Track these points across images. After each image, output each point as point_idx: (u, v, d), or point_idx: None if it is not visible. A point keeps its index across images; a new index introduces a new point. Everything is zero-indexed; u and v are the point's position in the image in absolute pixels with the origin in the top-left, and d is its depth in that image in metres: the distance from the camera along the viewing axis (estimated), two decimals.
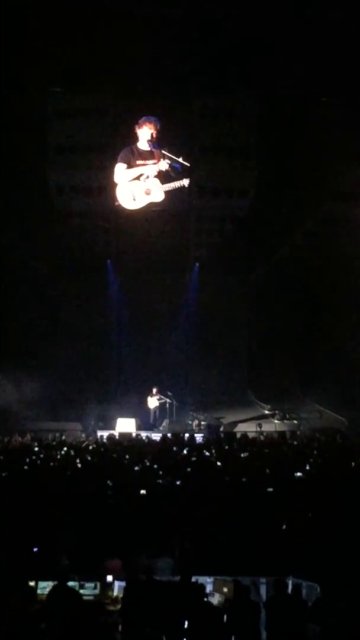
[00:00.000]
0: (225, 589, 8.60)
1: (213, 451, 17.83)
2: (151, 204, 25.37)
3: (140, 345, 27.76)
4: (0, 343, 24.43)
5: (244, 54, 23.08)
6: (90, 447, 19.62)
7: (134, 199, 25.46)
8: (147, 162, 25.38)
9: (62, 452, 17.89)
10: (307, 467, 15.26)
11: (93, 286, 27.66)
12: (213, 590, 8.76)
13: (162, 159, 23.25)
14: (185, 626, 7.74)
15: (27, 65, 23.08)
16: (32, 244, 26.11)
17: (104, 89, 26.24)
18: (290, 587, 8.32)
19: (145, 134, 25.09)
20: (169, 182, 25.18)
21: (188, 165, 25.59)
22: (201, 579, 8.61)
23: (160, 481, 13.81)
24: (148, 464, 15.74)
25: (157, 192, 25.22)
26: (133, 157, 25.38)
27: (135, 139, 25.56)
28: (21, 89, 24.41)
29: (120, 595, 8.49)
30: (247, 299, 28.34)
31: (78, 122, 26.37)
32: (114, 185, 25.21)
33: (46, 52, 22.85)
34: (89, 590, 8.73)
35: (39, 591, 8.55)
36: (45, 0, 21.51)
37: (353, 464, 15.89)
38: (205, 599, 8.15)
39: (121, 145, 26.10)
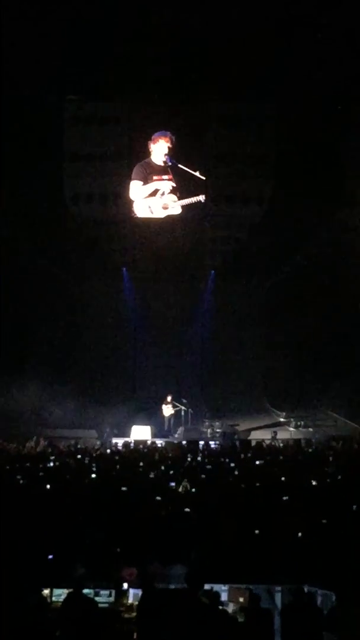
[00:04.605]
0: (240, 598, 8.56)
1: (227, 459, 17.83)
2: (169, 217, 25.60)
3: (156, 353, 27.74)
4: (18, 351, 24.56)
5: (260, 61, 23.07)
6: (108, 453, 19.70)
7: (152, 213, 25.72)
8: (162, 177, 25.60)
9: (77, 459, 17.92)
10: (323, 475, 15.21)
11: (109, 294, 27.71)
12: (228, 599, 8.71)
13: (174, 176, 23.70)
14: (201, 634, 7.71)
15: (45, 73, 23.22)
16: (49, 252, 26.18)
17: (120, 97, 26.33)
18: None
19: (160, 148, 25.35)
20: (185, 197, 25.43)
21: (204, 179, 25.76)
22: (216, 587, 8.58)
23: (174, 486, 13.83)
24: (163, 468, 15.76)
25: (174, 207, 25.47)
26: (147, 173, 25.65)
27: (148, 153, 25.76)
28: (38, 96, 24.55)
29: (136, 603, 8.47)
30: (263, 307, 28.25)
31: (94, 129, 26.47)
32: (131, 200, 25.46)
33: (63, 60, 22.99)
34: (104, 598, 8.71)
35: (54, 598, 8.54)
36: (63, 9, 21.52)
37: None
38: (220, 607, 8.10)
39: (137, 154, 26.33)
